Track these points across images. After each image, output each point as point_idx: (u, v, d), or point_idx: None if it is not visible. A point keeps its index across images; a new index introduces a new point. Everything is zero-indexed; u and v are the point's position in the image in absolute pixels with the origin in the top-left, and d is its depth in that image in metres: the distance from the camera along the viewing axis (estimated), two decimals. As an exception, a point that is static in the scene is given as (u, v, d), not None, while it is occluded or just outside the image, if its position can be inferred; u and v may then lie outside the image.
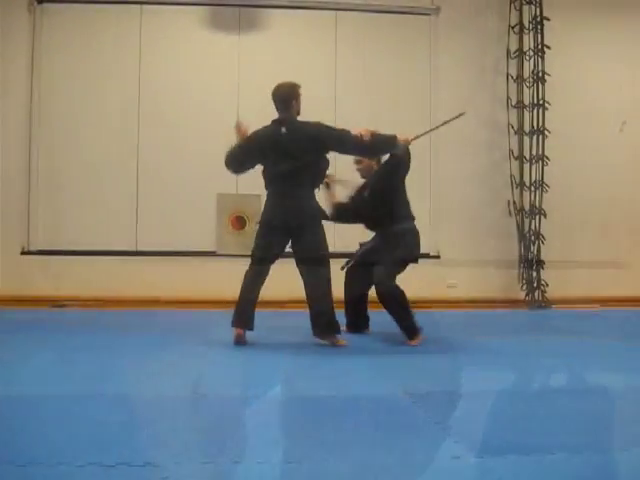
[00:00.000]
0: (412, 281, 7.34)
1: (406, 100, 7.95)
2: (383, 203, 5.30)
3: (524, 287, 7.88)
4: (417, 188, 7.82)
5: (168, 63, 7.88)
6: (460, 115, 5.48)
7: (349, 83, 7.84)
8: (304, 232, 4.87)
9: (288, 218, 4.88)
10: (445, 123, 5.53)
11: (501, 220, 8.02)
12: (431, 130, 5.64)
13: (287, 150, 4.84)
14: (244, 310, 4.90)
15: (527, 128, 7.97)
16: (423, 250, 7.73)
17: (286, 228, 4.89)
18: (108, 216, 7.72)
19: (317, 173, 5.03)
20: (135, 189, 7.75)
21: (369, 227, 5.51)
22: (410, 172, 7.37)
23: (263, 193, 5.14)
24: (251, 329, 4.91)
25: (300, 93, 5.01)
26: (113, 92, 7.78)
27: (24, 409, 3.18)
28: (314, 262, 4.90)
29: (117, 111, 7.78)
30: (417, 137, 5.33)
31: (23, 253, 7.69)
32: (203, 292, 7.39)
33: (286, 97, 4.95)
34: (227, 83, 7.83)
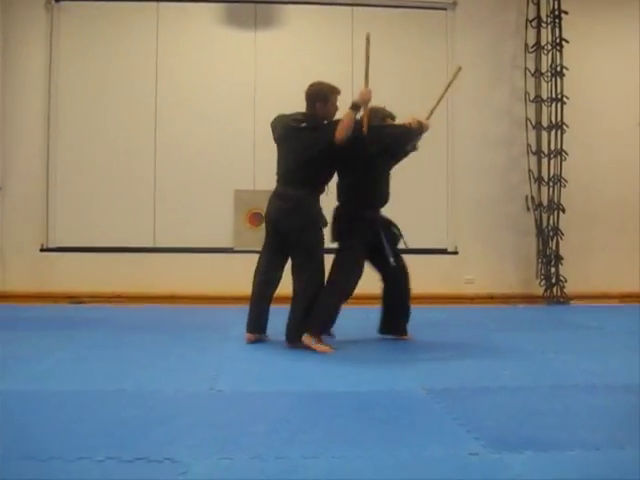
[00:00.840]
0: (429, 276, 7.43)
1: (423, 95, 7.88)
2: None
3: (542, 283, 7.84)
4: (434, 183, 7.95)
5: (185, 60, 7.93)
6: (459, 71, 5.18)
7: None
8: (297, 239, 4.65)
9: (279, 220, 4.75)
10: (448, 86, 5.18)
11: (519, 215, 7.98)
12: (439, 100, 5.13)
13: (296, 146, 4.66)
14: (254, 315, 4.87)
15: (545, 123, 7.92)
16: (440, 246, 7.85)
17: (277, 230, 4.76)
18: (126, 213, 7.78)
19: (323, 177, 4.77)
20: (153, 186, 7.80)
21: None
22: (427, 167, 7.44)
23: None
24: (263, 332, 4.90)
25: (330, 98, 4.68)
26: (130, 89, 7.84)
27: (45, 404, 3.21)
28: (300, 272, 4.67)
29: (135, 108, 7.83)
30: (431, 113, 5.00)
31: (42, 250, 7.78)
32: (220, 288, 7.43)
33: (310, 97, 4.69)
34: (244, 79, 7.85)
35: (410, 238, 5.03)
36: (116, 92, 7.83)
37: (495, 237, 7.98)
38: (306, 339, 4.61)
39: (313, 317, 4.62)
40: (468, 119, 7.96)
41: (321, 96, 4.67)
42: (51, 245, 7.81)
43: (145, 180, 7.81)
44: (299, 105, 4.77)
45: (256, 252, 5.02)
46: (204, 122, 7.83)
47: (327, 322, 4.73)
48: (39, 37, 7.83)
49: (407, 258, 5.00)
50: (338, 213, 4.81)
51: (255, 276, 4.92)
